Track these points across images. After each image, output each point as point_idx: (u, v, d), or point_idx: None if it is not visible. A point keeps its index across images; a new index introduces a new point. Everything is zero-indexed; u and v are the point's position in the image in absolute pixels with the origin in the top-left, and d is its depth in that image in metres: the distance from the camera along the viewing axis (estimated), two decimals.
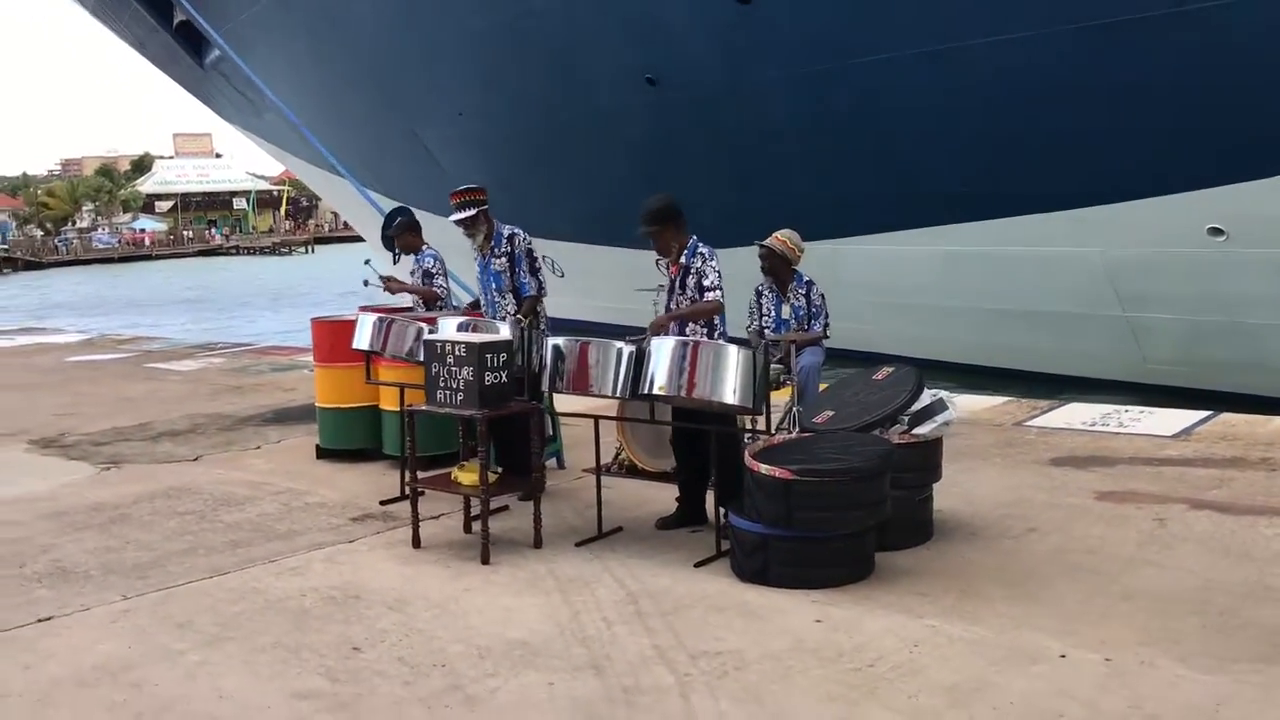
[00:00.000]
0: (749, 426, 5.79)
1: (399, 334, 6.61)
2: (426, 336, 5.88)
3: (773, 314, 7.92)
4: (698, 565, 5.31)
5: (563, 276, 19.83)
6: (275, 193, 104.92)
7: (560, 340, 5.71)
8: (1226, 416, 8.05)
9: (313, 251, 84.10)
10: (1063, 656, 4.13)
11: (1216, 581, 4.83)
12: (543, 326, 6.81)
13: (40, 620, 4.86)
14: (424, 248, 8.06)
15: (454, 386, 5.53)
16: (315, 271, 55.68)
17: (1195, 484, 6.37)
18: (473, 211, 6.75)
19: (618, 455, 7.27)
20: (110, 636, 4.63)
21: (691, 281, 6.00)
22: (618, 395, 5.57)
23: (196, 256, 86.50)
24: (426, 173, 23.55)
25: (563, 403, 7.03)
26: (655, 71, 17.43)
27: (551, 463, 7.41)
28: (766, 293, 7.96)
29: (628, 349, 5.54)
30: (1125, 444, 7.41)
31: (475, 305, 7.38)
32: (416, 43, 21.33)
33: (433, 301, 7.83)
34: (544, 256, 7.60)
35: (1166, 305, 13.19)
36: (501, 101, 20.70)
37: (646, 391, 5.42)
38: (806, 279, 7.97)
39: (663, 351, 5.38)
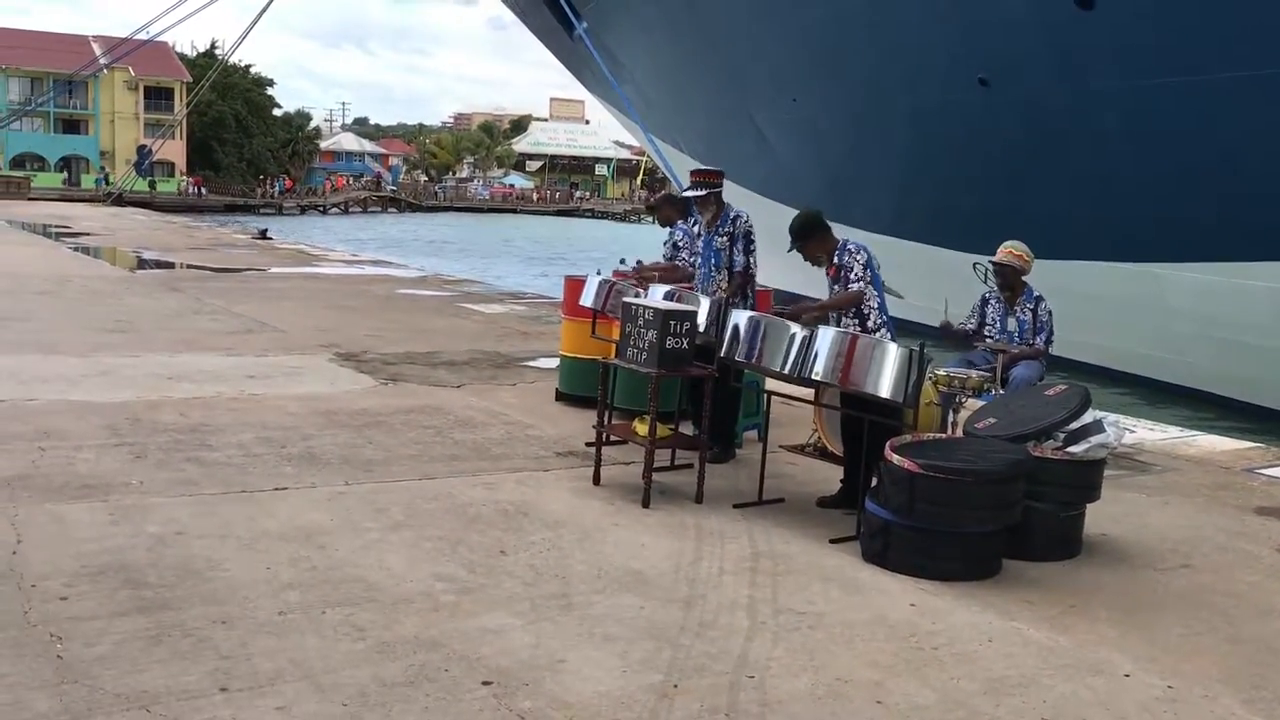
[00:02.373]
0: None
1: (619, 296, 7.32)
2: (625, 299, 6.54)
3: (998, 324, 8.01)
4: (833, 541, 5.67)
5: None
6: (635, 163, 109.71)
7: (743, 316, 6.22)
8: None
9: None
10: (1126, 676, 4.24)
11: None
12: (747, 304, 7.28)
13: (277, 489, 5.96)
14: (679, 222, 8.68)
15: (641, 346, 6.17)
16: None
17: None
18: (704, 192, 7.31)
19: (813, 437, 7.71)
20: (321, 509, 5.64)
21: (844, 277, 6.36)
22: (785, 374, 6.00)
23: (555, 215, 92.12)
24: (759, 154, 24.32)
25: (780, 383, 7.45)
26: (988, 72, 17.22)
27: (753, 434, 7.91)
28: (994, 302, 8.05)
29: (802, 333, 5.97)
30: None
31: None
32: (760, 28, 22.02)
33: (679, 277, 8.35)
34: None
35: None
36: (834, 91, 21.05)
37: (805, 374, 5.84)
38: (1036, 294, 7.98)
39: (826, 339, 5.78)
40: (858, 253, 6.33)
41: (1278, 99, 12.98)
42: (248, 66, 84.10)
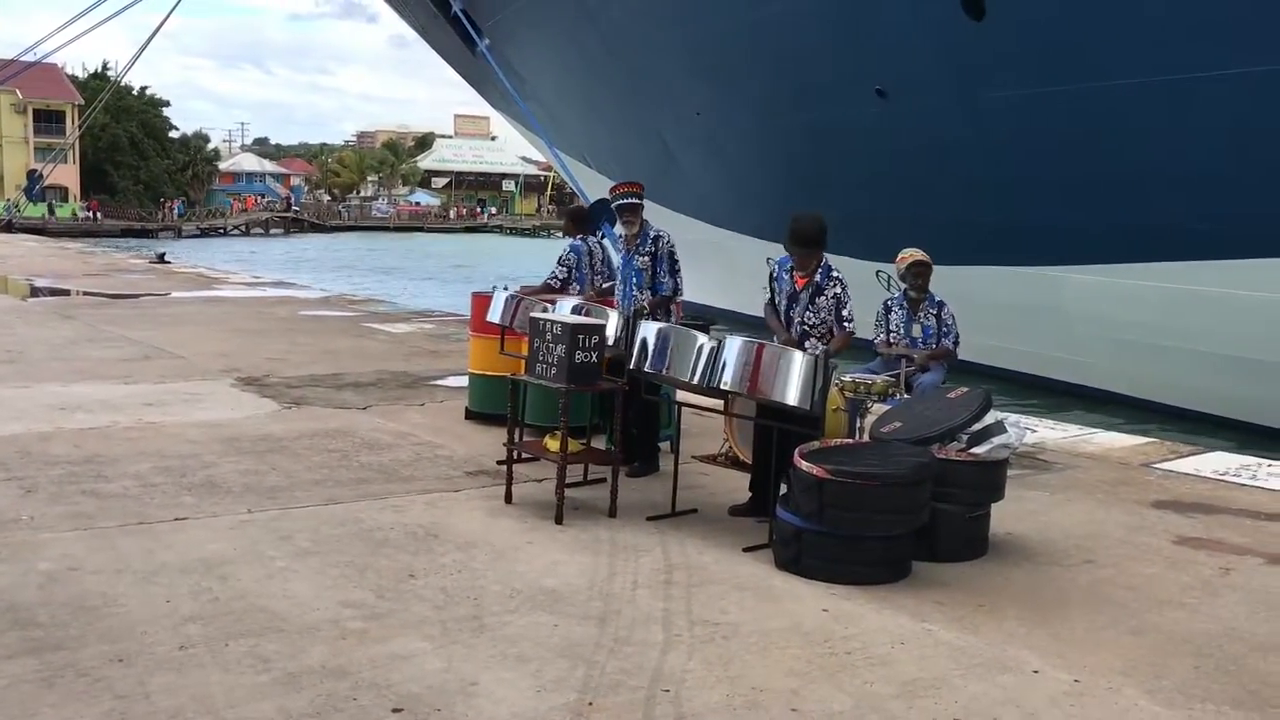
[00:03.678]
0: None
1: (526, 311, 7.26)
2: (533, 314, 6.50)
3: (902, 331, 8.14)
4: (746, 550, 5.68)
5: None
6: (542, 178, 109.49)
7: (651, 329, 6.22)
8: None
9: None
10: (1035, 672, 4.31)
11: (1239, 631, 4.82)
12: (676, 320, 7.30)
13: (176, 520, 5.78)
14: (574, 238, 8.67)
15: (550, 361, 6.13)
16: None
17: None
18: (639, 201, 7.30)
19: (724, 446, 7.73)
20: (223, 539, 5.49)
21: (824, 303, 6.41)
22: (694, 384, 6.01)
23: (463, 233, 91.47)
24: (665, 168, 24.43)
25: (691, 395, 7.42)
26: (885, 84, 17.53)
27: (665, 445, 7.90)
28: (896, 309, 8.18)
29: (709, 344, 5.99)
30: (1243, 496, 7.20)
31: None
32: (663, 42, 22.14)
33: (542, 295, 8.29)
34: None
35: None
36: (737, 104, 21.23)
37: (714, 385, 5.85)
38: (939, 299, 8.14)
39: (733, 349, 5.80)
40: (847, 289, 6.43)
41: (1164, 105, 13.41)
42: (143, 88, 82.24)
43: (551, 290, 8.37)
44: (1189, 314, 14.23)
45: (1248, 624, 4.90)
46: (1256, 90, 12.43)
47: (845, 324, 6.42)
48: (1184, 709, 4.03)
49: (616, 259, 7.91)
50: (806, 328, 6.38)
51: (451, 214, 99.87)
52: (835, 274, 6.42)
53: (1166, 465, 8.06)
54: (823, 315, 6.44)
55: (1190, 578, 5.52)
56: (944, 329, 8.11)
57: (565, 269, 8.41)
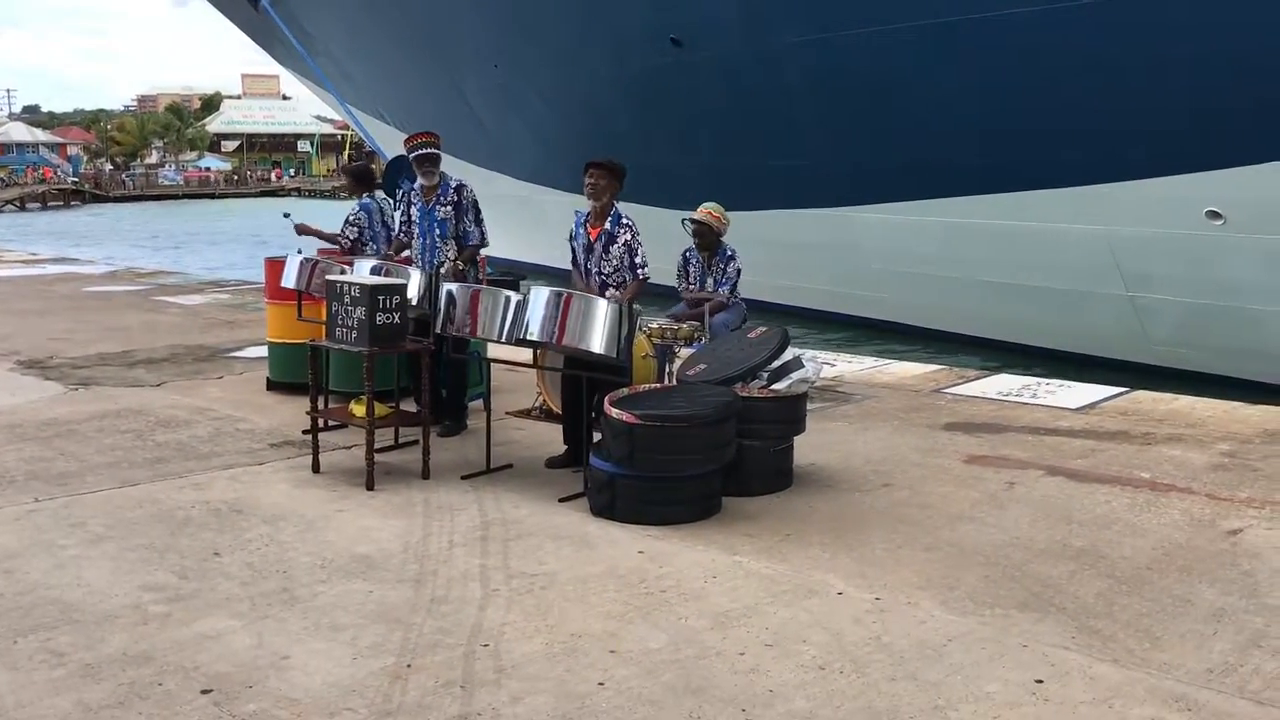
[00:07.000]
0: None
1: (323, 274, 7.07)
2: (329, 277, 6.33)
3: (698, 282, 8.30)
4: (562, 500, 5.73)
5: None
6: (340, 137, 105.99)
7: (454, 286, 6.15)
8: (1137, 394, 8.29)
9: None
10: (840, 594, 4.51)
11: (1023, 539, 5.16)
12: (481, 275, 7.26)
13: None
14: (361, 196, 8.47)
15: (350, 324, 5.99)
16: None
17: (1065, 453, 6.65)
18: (436, 151, 7.17)
19: (538, 400, 7.74)
20: (7, 532, 5.17)
21: (616, 250, 6.43)
22: (502, 340, 5.99)
23: (258, 197, 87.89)
24: (465, 123, 24.02)
25: (502, 351, 7.38)
26: (679, 32, 17.67)
27: (478, 403, 7.85)
28: (693, 261, 8.32)
29: (515, 298, 5.96)
30: (1025, 414, 7.68)
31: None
32: None
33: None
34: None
35: (1168, 287, 13.22)
36: (535, 55, 21.02)
37: (522, 337, 5.84)
38: (730, 252, 8.30)
39: (538, 301, 5.80)
40: (637, 235, 6.43)
41: (950, 45, 13.96)
42: None
43: (341, 251, 8.18)
44: (967, 246, 14.99)
45: (1030, 532, 5.25)
46: (1026, 29, 13.10)
47: (638, 270, 6.46)
48: (975, 616, 4.29)
49: (398, 219, 7.78)
50: (604, 277, 6.43)
51: (273, 177, 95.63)
52: (625, 221, 6.46)
53: (956, 390, 8.51)
54: (616, 263, 6.49)
55: (979, 493, 5.87)
56: (725, 278, 8.29)
57: (356, 229, 8.22)
